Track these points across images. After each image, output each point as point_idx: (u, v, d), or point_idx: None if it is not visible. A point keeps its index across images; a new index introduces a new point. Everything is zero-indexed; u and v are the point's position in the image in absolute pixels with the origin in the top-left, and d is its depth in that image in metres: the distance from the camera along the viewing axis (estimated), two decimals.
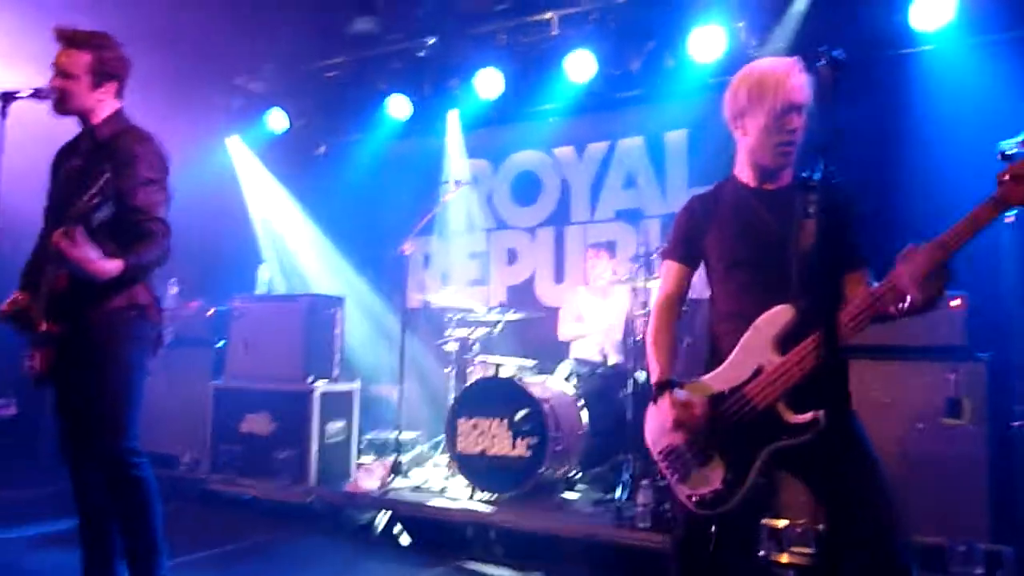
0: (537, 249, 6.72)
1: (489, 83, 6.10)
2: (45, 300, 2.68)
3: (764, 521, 3.49)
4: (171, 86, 6.31)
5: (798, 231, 1.91)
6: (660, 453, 2.13)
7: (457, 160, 6.95)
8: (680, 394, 2.08)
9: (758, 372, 1.97)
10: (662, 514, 3.78)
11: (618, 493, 4.26)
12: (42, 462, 6.02)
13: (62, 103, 2.79)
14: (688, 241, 2.28)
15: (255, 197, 7.45)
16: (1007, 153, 1.66)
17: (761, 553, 3.50)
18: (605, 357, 5.10)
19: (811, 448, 1.86)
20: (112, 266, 2.58)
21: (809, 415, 1.88)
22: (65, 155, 2.94)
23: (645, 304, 4.65)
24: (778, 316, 1.97)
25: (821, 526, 1.52)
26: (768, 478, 2.04)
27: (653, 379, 2.21)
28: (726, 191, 2.24)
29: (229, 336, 5.47)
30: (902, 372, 3.49)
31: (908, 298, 1.80)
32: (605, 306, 5.61)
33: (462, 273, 7.03)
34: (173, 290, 5.86)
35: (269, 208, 7.46)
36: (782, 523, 3.53)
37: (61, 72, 2.78)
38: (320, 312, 5.30)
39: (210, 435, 5.32)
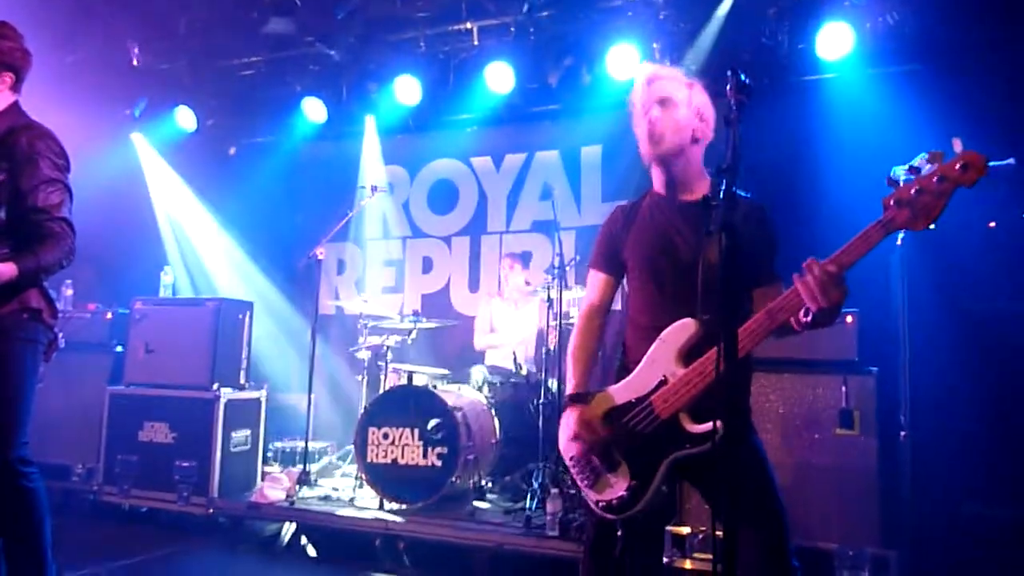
0: (453, 258, 6.72)
1: (407, 90, 6.08)
2: None
3: (668, 528, 3.59)
4: (72, 79, 6.03)
5: (704, 247, 1.99)
6: (571, 459, 2.18)
7: (373, 166, 6.89)
8: (585, 412, 2.14)
9: (663, 383, 2.04)
10: (570, 522, 3.83)
11: (528, 502, 4.28)
12: None
13: None
14: (609, 251, 2.35)
15: (160, 197, 7.16)
16: (893, 178, 1.76)
17: (665, 560, 3.59)
18: (519, 366, 5.13)
19: (709, 458, 1.94)
20: (4, 269, 2.46)
21: (708, 425, 1.96)
22: None
23: (558, 315, 4.71)
24: (683, 329, 2.05)
25: (719, 533, 1.57)
26: (671, 487, 2.11)
27: (567, 390, 2.26)
28: (646, 202, 2.32)
29: (128, 340, 5.23)
30: (798, 384, 3.66)
31: (807, 311, 1.88)
32: (519, 316, 5.66)
33: (376, 280, 6.96)
34: (68, 292, 5.57)
35: (175, 209, 7.18)
36: (685, 530, 3.63)
37: None
38: (228, 317, 5.12)
39: (105, 444, 5.06)
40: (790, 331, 1.98)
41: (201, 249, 7.11)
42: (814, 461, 3.57)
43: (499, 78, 5.82)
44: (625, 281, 2.36)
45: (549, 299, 4.81)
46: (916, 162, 1.77)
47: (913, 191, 1.72)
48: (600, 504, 2.11)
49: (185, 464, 4.81)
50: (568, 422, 2.18)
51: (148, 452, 4.95)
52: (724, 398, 1.64)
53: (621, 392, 2.14)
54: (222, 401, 4.85)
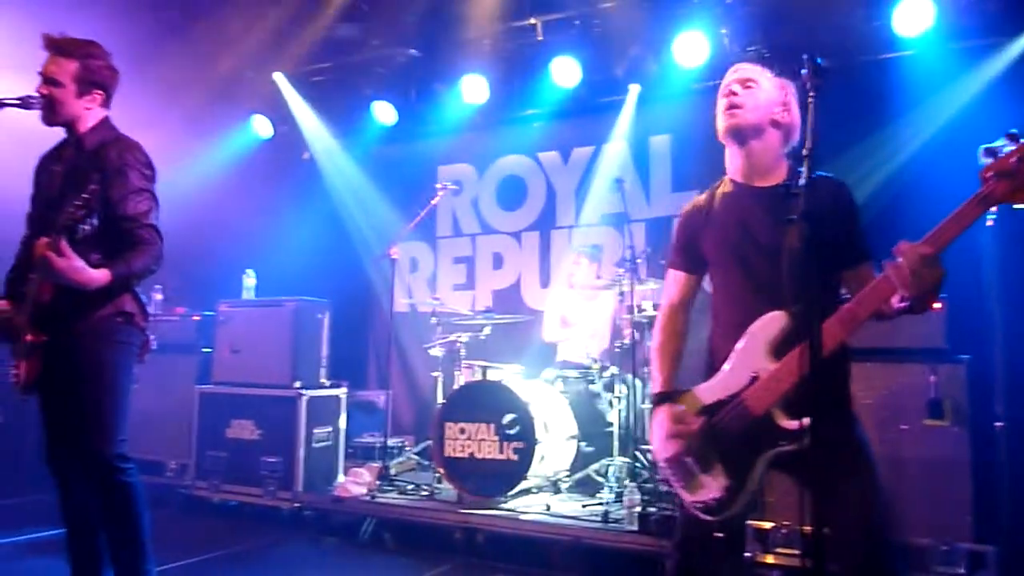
0: (523, 253, 6.74)
1: (474, 88, 6.14)
2: (30, 310, 2.67)
3: (750, 522, 3.53)
4: (155, 93, 6.29)
5: (786, 235, 1.93)
6: (664, 461, 2.14)
7: (443, 165, 6.97)
8: (676, 409, 2.10)
9: (754, 379, 1.98)
10: (649, 516, 3.80)
11: (605, 496, 4.27)
12: (26, 471, 5.95)
13: (49, 111, 2.79)
14: (686, 247, 2.28)
15: (239, 202, 7.40)
16: (991, 148, 1.66)
17: (747, 554, 3.53)
18: (592, 360, 5.12)
19: (809, 454, 1.88)
20: (99, 275, 2.58)
21: (804, 421, 1.88)
22: (49, 161, 2.93)
23: (631, 308, 4.68)
24: (772, 322, 1.97)
25: (807, 527, 1.53)
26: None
27: (653, 389, 2.23)
28: (720, 192, 2.25)
29: (215, 341, 5.44)
30: (884, 373, 3.53)
31: (901, 297, 1.80)
32: (590, 309, 5.64)
33: (448, 277, 7.04)
34: (158, 296, 5.83)
35: (254, 213, 7.41)
36: (768, 524, 3.56)
37: (48, 80, 2.77)
38: (307, 317, 5.29)
39: (196, 441, 5.29)
40: (884, 316, 1.91)
41: (279, 251, 7.32)
42: (902, 453, 3.44)
43: (565, 72, 5.82)
44: (707, 277, 2.30)
45: (621, 292, 4.78)
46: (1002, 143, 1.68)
47: (1014, 160, 1.62)
48: (697, 506, 2.05)
49: (271, 460, 4.98)
50: (660, 422, 2.13)
51: (236, 448, 5.14)
52: (813, 392, 1.59)
53: (710, 391, 2.08)
54: (304, 399, 5.00)
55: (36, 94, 2.78)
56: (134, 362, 2.86)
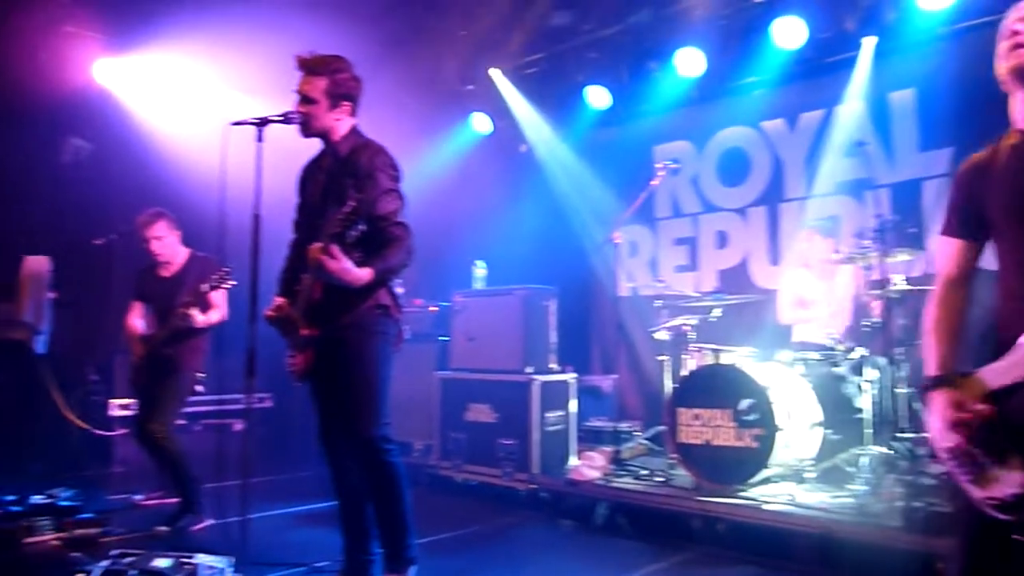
0: (749, 230, 6.43)
1: (690, 61, 5.94)
2: (303, 307, 2.97)
3: None
4: (384, 99, 6.76)
5: None
6: (946, 452, 1.93)
7: (659, 144, 6.83)
8: (955, 394, 1.88)
9: None
10: (914, 512, 3.47)
11: (858, 488, 3.96)
12: (294, 449, 6.69)
13: (305, 126, 3.07)
14: (964, 211, 2.03)
15: (465, 196, 7.77)
16: None
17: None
18: (834, 341, 4.76)
19: None
20: (364, 274, 2.83)
21: None
22: (311, 171, 3.24)
23: (878, 283, 4.29)
24: None
25: None
26: None
27: (927, 372, 2.01)
28: (1005, 146, 1.97)
29: (451, 330, 5.77)
30: None
31: None
32: (828, 286, 5.24)
33: (669, 259, 6.90)
34: (399, 289, 6.27)
35: (479, 206, 7.75)
36: None
37: (303, 98, 3.05)
38: (535, 304, 5.43)
39: (438, 424, 5.64)
40: None
41: (505, 241, 7.59)
42: None
43: (788, 33, 5.46)
44: (993, 243, 2.04)
45: (868, 267, 4.40)
46: None
47: None
48: (991, 502, 1.83)
49: (507, 442, 5.18)
50: (937, 409, 1.92)
51: (474, 431, 5.42)
52: None
53: (999, 373, 1.82)
54: (536, 383, 5.15)
55: (295, 111, 3.07)
56: (392, 351, 3.09)
